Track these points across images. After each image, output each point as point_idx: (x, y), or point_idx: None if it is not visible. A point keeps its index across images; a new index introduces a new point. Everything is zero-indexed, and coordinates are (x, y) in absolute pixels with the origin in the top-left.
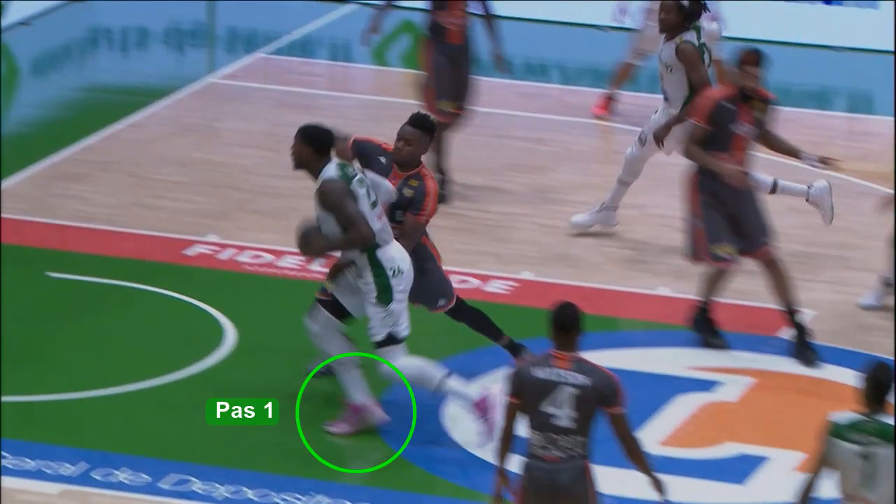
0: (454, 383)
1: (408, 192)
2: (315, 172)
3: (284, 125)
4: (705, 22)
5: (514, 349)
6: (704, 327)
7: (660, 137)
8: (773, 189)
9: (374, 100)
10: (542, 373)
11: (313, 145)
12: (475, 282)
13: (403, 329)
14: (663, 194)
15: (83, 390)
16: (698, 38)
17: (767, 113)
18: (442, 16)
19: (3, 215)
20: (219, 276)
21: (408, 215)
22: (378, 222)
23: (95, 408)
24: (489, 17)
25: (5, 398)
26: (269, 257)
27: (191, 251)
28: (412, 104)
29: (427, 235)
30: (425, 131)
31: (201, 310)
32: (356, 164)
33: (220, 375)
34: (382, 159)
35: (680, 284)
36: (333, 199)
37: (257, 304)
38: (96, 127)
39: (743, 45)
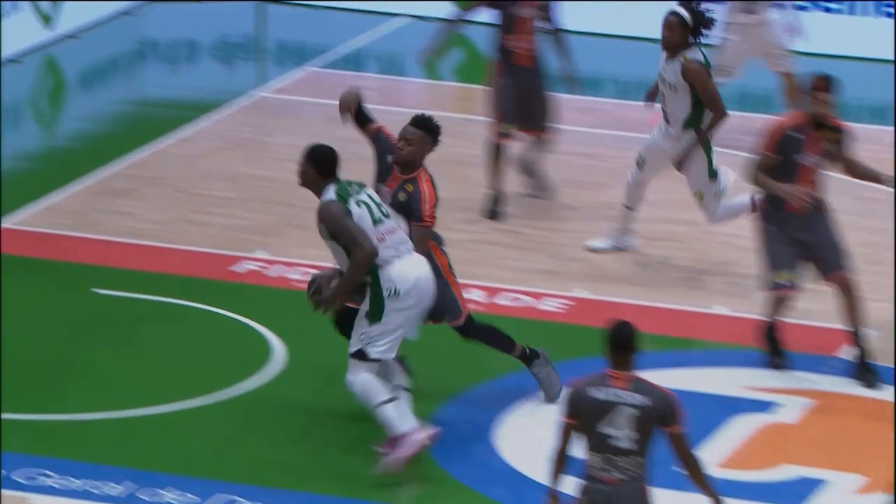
0: (391, 411)
1: (402, 197)
2: (317, 193)
3: (335, 140)
4: (784, 31)
5: (529, 358)
6: (770, 346)
7: (679, 165)
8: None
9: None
10: (599, 393)
11: (316, 166)
12: (528, 300)
13: (378, 351)
14: None
15: (129, 409)
16: (704, 56)
17: (840, 141)
18: (509, 39)
19: (49, 231)
20: (267, 292)
21: (413, 224)
22: (385, 239)
23: (142, 427)
24: (557, 34)
25: (51, 417)
26: None
27: (239, 267)
28: (464, 118)
29: (440, 247)
30: (427, 132)
31: (249, 327)
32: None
33: (269, 394)
34: (390, 159)
35: (737, 303)
36: (332, 221)
37: (306, 322)
38: (144, 141)
39: (809, 58)
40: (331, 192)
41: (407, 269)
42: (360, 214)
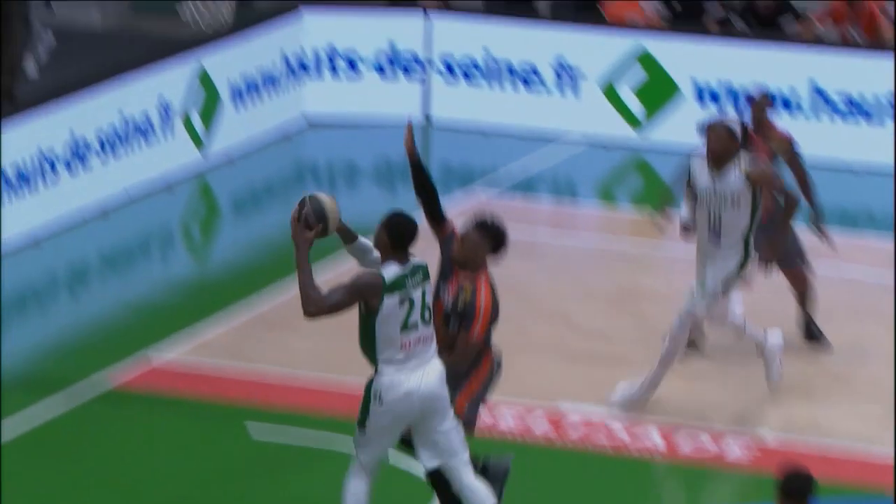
0: None
1: (460, 304)
2: (384, 261)
3: (505, 272)
4: None
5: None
6: None
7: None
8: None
9: (602, 243)
10: None
11: (391, 235)
12: (708, 441)
13: (365, 457)
14: None
15: None
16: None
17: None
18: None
19: (200, 366)
20: None
21: (461, 333)
22: (410, 347)
23: None
24: (798, 168)
25: None
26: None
27: None
28: (642, 247)
29: (493, 357)
30: (487, 237)
31: (411, 475)
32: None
33: None
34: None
35: None
36: (353, 278)
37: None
38: None
39: None
40: (389, 273)
41: (404, 381)
42: (392, 312)
